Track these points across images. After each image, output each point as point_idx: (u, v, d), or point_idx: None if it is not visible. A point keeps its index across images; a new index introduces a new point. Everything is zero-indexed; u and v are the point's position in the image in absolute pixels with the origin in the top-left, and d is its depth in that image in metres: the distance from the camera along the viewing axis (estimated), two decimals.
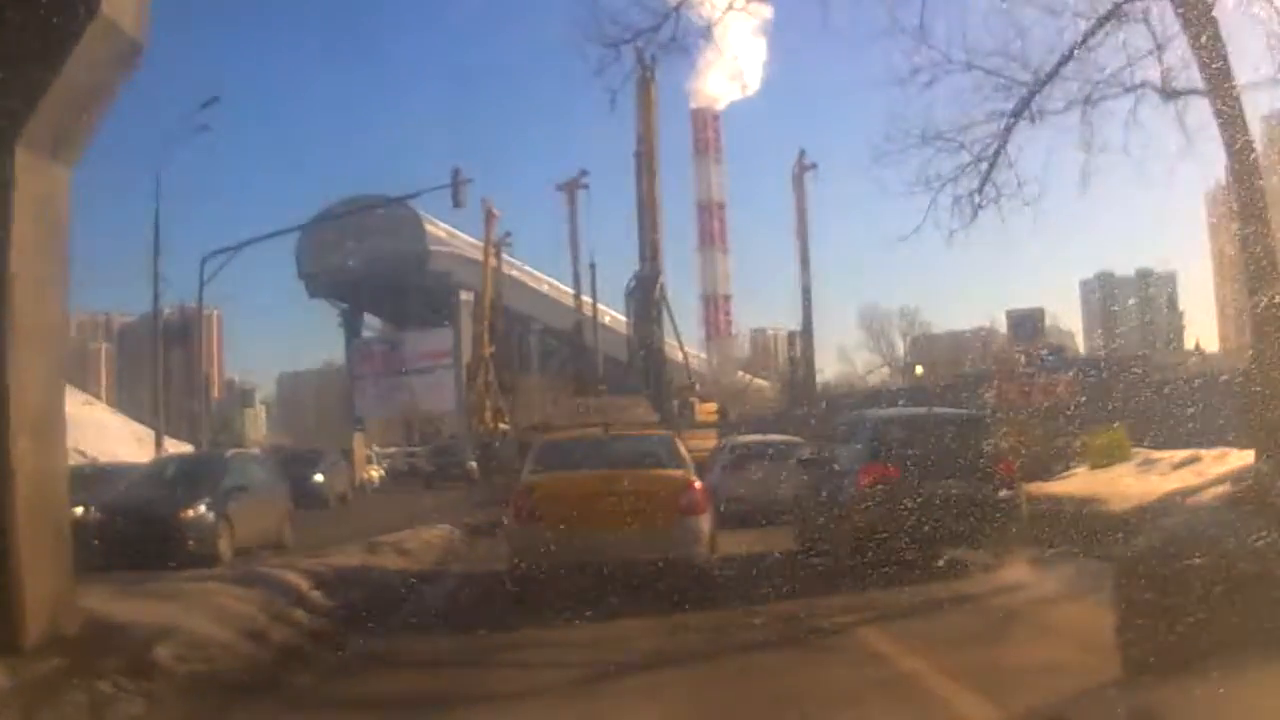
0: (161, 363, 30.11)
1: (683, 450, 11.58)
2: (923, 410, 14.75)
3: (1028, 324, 24.72)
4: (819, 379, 60.52)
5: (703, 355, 74.34)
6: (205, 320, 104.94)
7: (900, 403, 26.52)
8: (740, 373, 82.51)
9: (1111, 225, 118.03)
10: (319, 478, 29.67)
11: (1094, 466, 20.47)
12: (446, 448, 48.78)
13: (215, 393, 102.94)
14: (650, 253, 52.75)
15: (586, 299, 63.11)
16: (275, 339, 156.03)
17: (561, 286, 71.73)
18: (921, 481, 11.44)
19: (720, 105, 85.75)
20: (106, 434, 32.06)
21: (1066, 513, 15.28)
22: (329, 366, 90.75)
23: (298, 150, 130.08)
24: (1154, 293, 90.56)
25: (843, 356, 68.45)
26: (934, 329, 71.40)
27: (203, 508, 14.98)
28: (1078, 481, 19.32)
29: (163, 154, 30.83)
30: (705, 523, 10.45)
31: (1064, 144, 18.45)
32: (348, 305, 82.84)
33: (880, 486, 11.65)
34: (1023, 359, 23.98)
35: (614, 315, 69.42)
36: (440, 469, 43.70)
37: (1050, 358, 25.00)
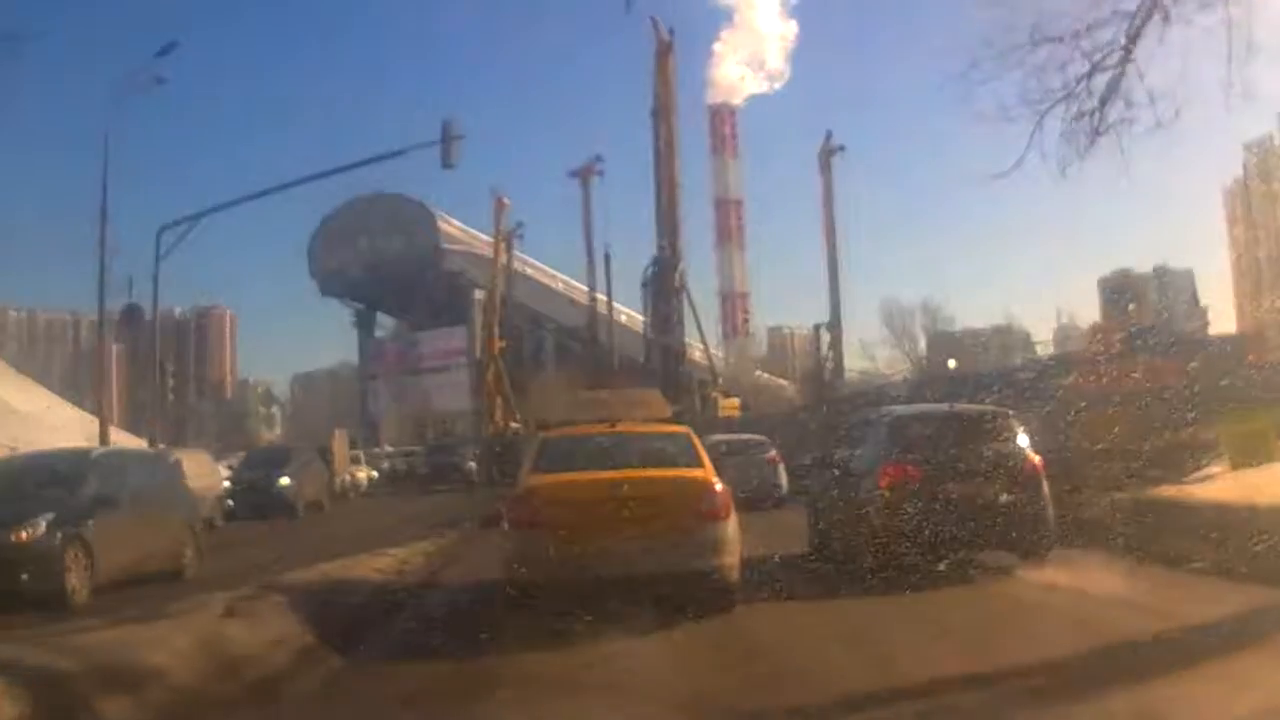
0: (108, 353, 25.35)
1: (701, 448, 9.72)
2: (944, 406, 13.23)
3: (1125, 293, 19.34)
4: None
5: (719, 353, 69.59)
6: (217, 321, 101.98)
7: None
8: (758, 371, 78.04)
9: (1128, 222, 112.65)
10: (285, 481, 25.31)
11: (1237, 465, 15.36)
12: (443, 447, 44.03)
13: (228, 393, 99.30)
14: (669, 236, 48.06)
15: (601, 296, 58.49)
16: (289, 339, 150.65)
17: (576, 285, 67.98)
18: (946, 481, 10.52)
19: (738, 100, 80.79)
20: (58, 430, 27.25)
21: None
22: (343, 366, 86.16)
23: (288, 141, 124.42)
24: (1172, 289, 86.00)
25: (864, 352, 63.15)
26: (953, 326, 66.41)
27: (43, 526, 9.95)
28: (1229, 485, 14.28)
29: (114, 110, 25.36)
30: (729, 529, 8.81)
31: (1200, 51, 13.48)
32: (361, 304, 78.86)
33: (901, 488, 10.65)
34: (1120, 336, 18.72)
35: (630, 314, 65.36)
36: (436, 471, 38.95)
37: (1153, 334, 19.70)
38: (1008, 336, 69.88)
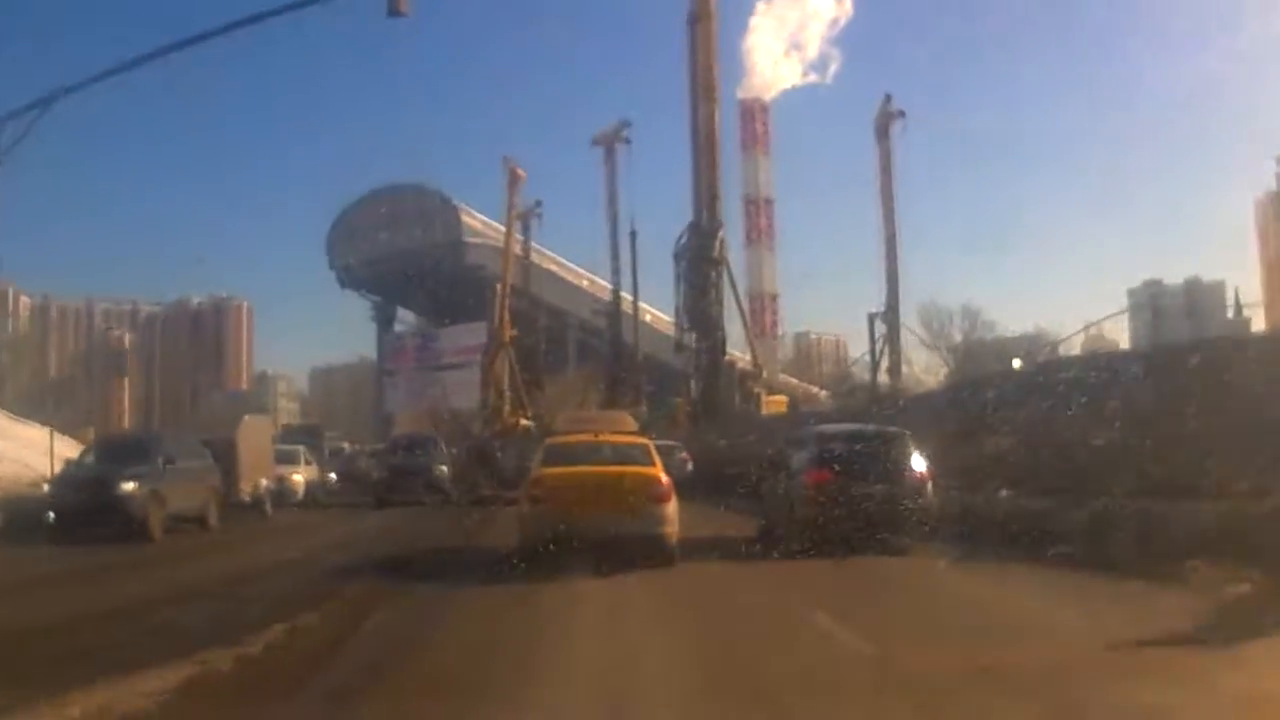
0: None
1: (655, 452, 13.70)
2: (857, 426, 17.01)
3: None
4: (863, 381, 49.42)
5: (745, 356, 64.10)
6: (234, 312, 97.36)
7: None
8: (783, 375, 72.77)
9: (1157, 234, 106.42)
10: (129, 486, 16.92)
11: None
12: (410, 445, 31.07)
13: (244, 384, 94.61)
14: (706, 198, 40.57)
15: (626, 295, 52.97)
16: (308, 333, 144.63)
17: (600, 281, 63.64)
18: (854, 483, 13.54)
19: (770, 94, 75.09)
20: None
21: None
22: (363, 361, 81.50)
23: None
24: (1203, 302, 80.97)
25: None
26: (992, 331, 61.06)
27: None
28: None
29: None
30: (672, 509, 12.55)
31: None
32: (380, 298, 74.87)
33: (822, 487, 13.60)
34: None
35: (655, 314, 60.61)
36: (396, 478, 27.33)
37: None
38: (1035, 344, 64.52)
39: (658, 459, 13.27)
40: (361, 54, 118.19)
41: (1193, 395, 12.93)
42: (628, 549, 11.88)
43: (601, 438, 14.02)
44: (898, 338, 48.53)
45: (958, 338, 59.95)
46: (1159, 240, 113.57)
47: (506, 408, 41.10)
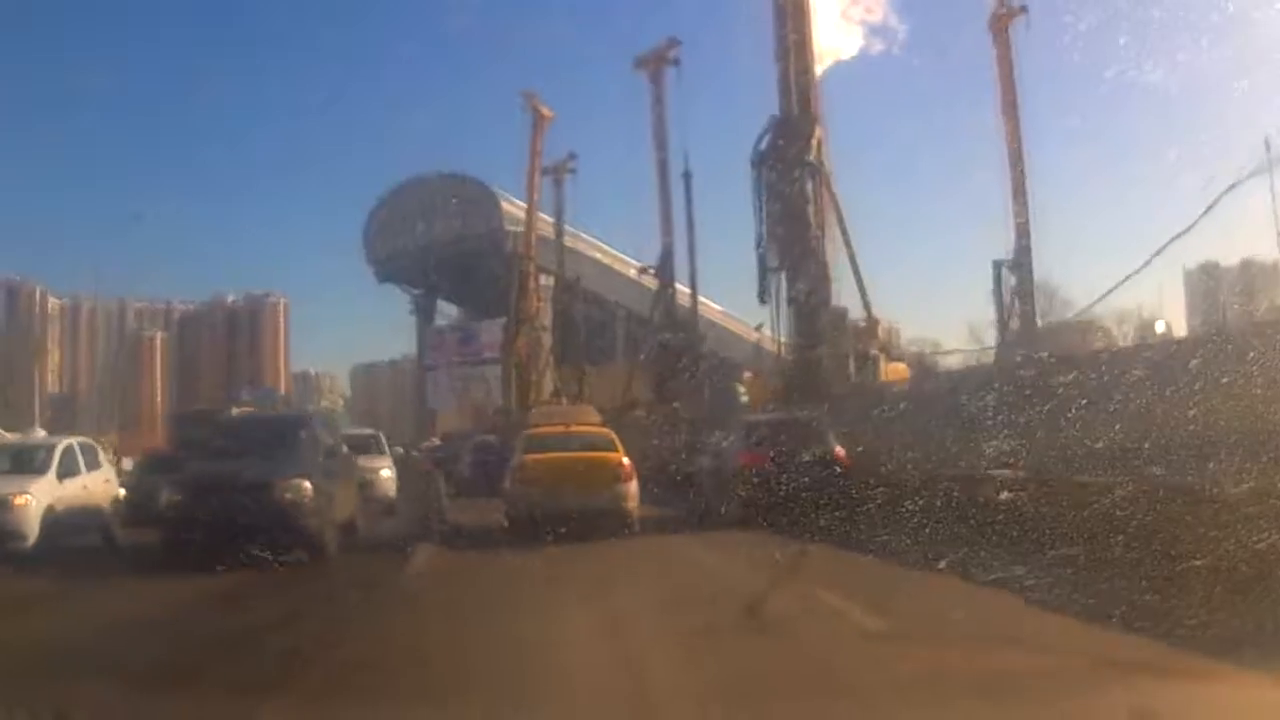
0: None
1: (617, 440, 16.25)
2: (783, 414, 19.75)
3: None
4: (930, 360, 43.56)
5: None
6: (271, 309, 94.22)
7: None
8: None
9: (1213, 214, 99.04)
10: None
11: None
12: (237, 434, 15.86)
13: (282, 383, 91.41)
14: (798, 89, 29.61)
15: (684, 288, 48.07)
16: (348, 329, 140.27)
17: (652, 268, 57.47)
18: (780, 463, 15.65)
19: (821, 66, 68.98)
20: None
21: None
22: (406, 359, 78.44)
23: None
24: (1259, 282, 74.91)
25: (972, 335, 52.23)
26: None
27: None
28: None
29: None
30: (632, 487, 15.35)
31: None
32: (420, 291, 73.18)
33: (752, 466, 15.97)
34: None
35: (707, 303, 56.22)
36: (198, 503, 12.26)
37: None
38: (1087, 332, 59.23)
39: (619, 444, 16.08)
40: (393, 38, 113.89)
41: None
42: (596, 520, 14.44)
43: (572, 429, 17.00)
44: (1032, 287, 40.39)
45: (1038, 318, 54.49)
46: (1215, 220, 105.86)
47: (533, 394, 35.49)
